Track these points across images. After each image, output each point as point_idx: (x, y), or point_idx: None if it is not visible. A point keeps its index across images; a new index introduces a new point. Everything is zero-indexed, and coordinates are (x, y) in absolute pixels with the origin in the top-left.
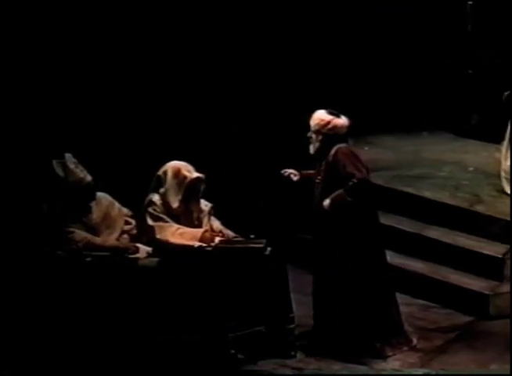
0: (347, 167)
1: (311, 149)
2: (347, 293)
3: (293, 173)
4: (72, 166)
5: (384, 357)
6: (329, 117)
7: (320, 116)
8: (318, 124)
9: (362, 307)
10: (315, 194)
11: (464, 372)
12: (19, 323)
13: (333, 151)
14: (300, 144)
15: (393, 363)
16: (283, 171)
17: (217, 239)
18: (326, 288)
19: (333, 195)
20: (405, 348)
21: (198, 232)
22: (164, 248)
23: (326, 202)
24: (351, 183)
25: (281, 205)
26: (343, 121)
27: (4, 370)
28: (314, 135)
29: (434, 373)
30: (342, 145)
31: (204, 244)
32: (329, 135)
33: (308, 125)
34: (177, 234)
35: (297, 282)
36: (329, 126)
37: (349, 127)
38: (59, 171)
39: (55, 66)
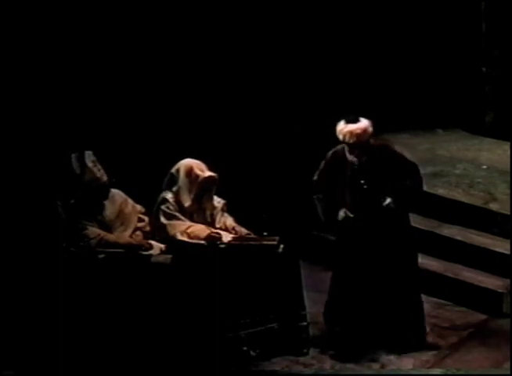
0: (407, 158)
1: (357, 161)
2: (372, 290)
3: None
4: (90, 164)
5: (398, 352)
6: (362, 124)
7: (354, 128)
8: (359, 135)
9: (384, 304)
10: (356, 200)
11: (480, 372)
12: (23, 322)
13: (377, 148)
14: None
15: (407, 361)
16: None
17: (230, 236)
18: (351, 286)
19: (397, 192)
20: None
21: (204, 231)
22: (177, 246)
23: (388, 201)
24: (418, 176)
25: (295, 202)
26: (366, 120)
27: (6, 370)
28: (356, 149)
29: (451, 372)
30: (380, 140)
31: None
32: (367, 138)
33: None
34: (188, 232)
35: (311, 279)
36: (368, 131)
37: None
38: (76, 167)
39: (72, 64)
